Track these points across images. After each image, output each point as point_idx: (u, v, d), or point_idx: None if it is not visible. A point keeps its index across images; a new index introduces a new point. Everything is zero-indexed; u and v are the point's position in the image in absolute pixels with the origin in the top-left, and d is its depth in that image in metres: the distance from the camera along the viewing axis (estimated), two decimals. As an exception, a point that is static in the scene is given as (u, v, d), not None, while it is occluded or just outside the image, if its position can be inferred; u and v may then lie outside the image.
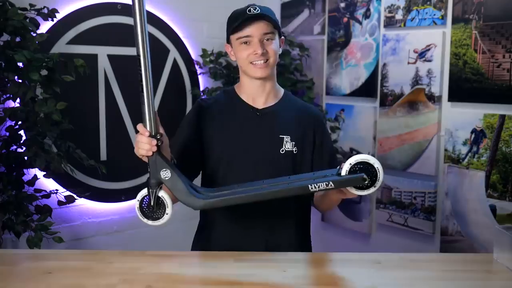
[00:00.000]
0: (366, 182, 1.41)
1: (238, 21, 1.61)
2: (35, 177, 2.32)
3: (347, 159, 1.44)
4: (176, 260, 1.53)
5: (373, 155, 2.96)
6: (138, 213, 1.46)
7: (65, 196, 2.37)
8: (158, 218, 1.44)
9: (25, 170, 2.28)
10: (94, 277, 1.41)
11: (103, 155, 2.78)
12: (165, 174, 1.43)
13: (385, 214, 2.92)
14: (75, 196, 2.39)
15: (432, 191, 2.70)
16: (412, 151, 2.78)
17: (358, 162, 1.42)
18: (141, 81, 1.41)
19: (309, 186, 1.41)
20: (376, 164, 1.42)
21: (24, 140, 2.23)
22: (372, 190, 1.43)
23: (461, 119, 2.54)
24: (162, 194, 1.44)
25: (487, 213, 2.43)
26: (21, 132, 2.25)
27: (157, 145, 1.43)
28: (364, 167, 1.42)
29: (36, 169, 2.26)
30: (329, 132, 1.80)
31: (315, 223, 3.28)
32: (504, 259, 1.55)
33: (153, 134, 1.43)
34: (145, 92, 1.41)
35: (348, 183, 1.42)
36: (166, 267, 1.47)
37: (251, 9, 1.60)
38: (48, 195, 2.33)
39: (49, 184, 2.50)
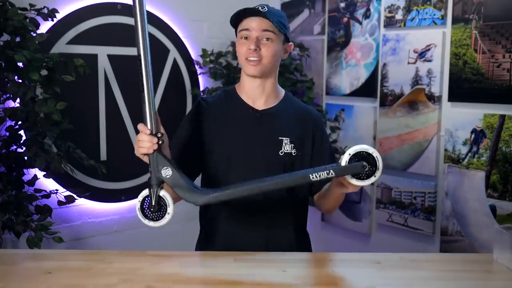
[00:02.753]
0: (366, 169, 1.41)
1: (242, 13, 1.61)
2: (35, 177, 2.32)
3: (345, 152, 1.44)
4: (176, 260, 1.53)
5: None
6: (139, 215, 1.45)
7: (65, 196, 2.37)
8: (159, 219, 1.44)
9: (25, 170, 2.28)
10: (94, 277, 1.41)
11: (103, 155, 2.78)
12: (166, 172, 1.43)
13: (385, 214, 2.92)
14: (75, 196, 2.39)
15: (432, 191, 2.70)
16: (412, 151, 2.78)
17: (357, 153, 1.42)
18: (142, 80, 1.42)
19: (310, 175, 1.41)
20: (375, 153, 1.42)
21: (24, 140, 2.23)
22: (372, 179, 1.42)
23: (461, 119, 2.54)
24: (164, 193, 1.44)
25: (487, 213, 2.43)
26: (21, 132, 2.25)
27: (158, 143, 1.43)
28: (363, 157, 1.42)
29: (36, 169, 2.26)
30: (327, 134, 1.80)
31: (315, 223, 3.29)
32: (504, 259, 1.55)
33: (154, 132, 1.44)
34: (145, 91, 1.42)
35: (348, 171, 1.42)
36: (166, 267, 1.47)
37: (259, 7, 1.60)
38: (48, 195, 2.33)
39: (49, 184, 2.50)
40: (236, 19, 1.64)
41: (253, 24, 1.60)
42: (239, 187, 1.45)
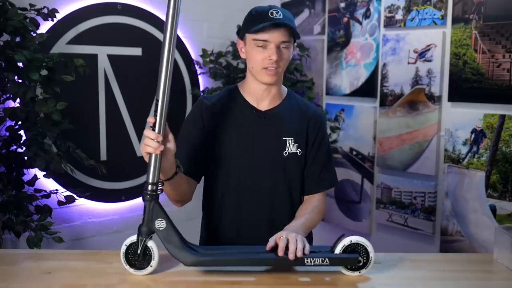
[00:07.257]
0: (360, 264, 1.42)
1: (259, 24, 1.55)
2: (35, 177, 2.32)
3: (339, 239, 1.45)
4: (176, 260, 1.53)
5: (373, 156, 2.98)
6: (122, 259, 1.41)
7: (65, 196, 2.37)
8: (141, 268, 1.41)
9: (25, 170, 2.29)
10: (94, 277, 1.41)
11: (103, 155, 2.78)
12: (160, 224, 1.40)
13: (385, 214, 2.92)
14: (75, 196, 2.39)
15: (432, 191, 2.70)
16: (412, 151, 2.78)
17: (352, 244, 1.43)
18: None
19: (305, 259, 1.40)
20: (370, 248, 1.42)
21: (24, 140, 2.23)
22: (357, 273, 1.43)
23: (461, 119, 2.54)
24: (151, 244, 1.41)
25: (487, 213, 2.43)
26: (21, 132, 2.25)
27: (163, 143, 1.39)
28: (356, 246, 1.43)
29: (36, 169, 2.26)
30: (327, 133, 1.78)
31: (315, 223, 3.27)
32: (504, 259, 1.55)
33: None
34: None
35: (343, 263, 1.43)
36: (166, 267, 1.47)
37: (274, 12, 1.56)
38: (48, 195, 2.33)
39: (49, 184, 2.50)
40: (255, 31, 1.57)
41: (273, 37, 1.56)
42: (230, 255, 1.42)
